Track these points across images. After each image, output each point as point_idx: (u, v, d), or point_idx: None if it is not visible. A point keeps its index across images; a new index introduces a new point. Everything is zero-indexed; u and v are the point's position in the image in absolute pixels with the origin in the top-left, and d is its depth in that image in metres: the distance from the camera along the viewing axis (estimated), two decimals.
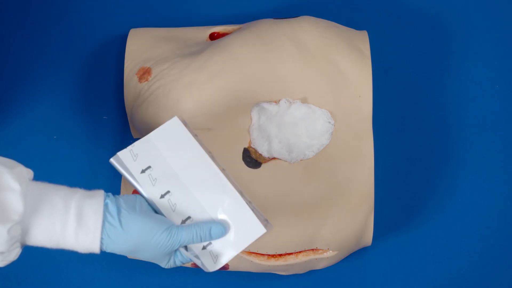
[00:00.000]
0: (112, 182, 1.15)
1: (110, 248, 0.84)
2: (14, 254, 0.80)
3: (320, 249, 1.03)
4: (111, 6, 1.21)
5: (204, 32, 1.13)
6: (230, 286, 1.14)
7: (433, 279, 1.14)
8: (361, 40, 1.06)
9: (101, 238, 0.82)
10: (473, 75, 1.20)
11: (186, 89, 1.03)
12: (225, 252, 0.87)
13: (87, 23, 1.21)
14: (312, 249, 1.03)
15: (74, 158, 1.16)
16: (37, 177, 0.84)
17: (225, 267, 1.07)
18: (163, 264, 0.88)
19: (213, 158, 0.90)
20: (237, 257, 1.04)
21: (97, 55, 1.20)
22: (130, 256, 0.86)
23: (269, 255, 1.03)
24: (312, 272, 1.13)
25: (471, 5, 1.22)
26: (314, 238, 1.00)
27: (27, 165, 0.84)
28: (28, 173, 0.82)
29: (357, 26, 1.17)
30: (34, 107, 1.18)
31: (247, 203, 0.88)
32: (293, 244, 1.00)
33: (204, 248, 0.87)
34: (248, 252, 1.03)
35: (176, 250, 0.87)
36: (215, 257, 0.87)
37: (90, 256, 1.14)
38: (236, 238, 0.87)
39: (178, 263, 0.88)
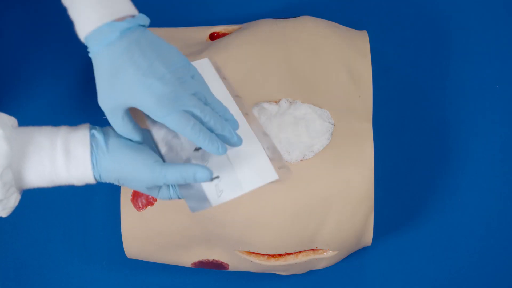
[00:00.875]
0: None
1: (104, 176, 0.83)
2: (13, 200, 0.81)
3: (320, 249, 1.03)
4: None
5: (204, 32, 1.13)
6: (230, 286, 1.14)
7: (433, 279, 1.14)
8: (361, 40, 1.06)
9: (92, 167, 0.82)
10: (473, 75, 1.20)
11: None
12: (232, 189, 0.86)
13: None
14: (312, 249, 1.03)
15: None
16: None
17: (225, 267, 1.07)
18: (155, 195, 0.86)
19: (240, 102, 0.89)
20: (237, 257, 1.04)
21: None
22: (120, 184, 0.84)
23: (269, 255, 1.03)
24: (312, 272, 1.13)
25: (471, 5, 1.22)
26: (314, 238, 1.00)
27: None
28: (10, 120, 0.82)
29: (357, 26, 1.17)
30: (34, 107, 1.18)
31: (266, 148, 0.87)
32: (293, 244, 1.00)
33: (211, 180, 0.86)
34: (248, 252, 1.03)
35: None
36: (220, 191, 0.86)
37: (90, 256, 1.14)
38: (246, 179, 0.86)
39: (174, 196, 0.86)
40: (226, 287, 1.14)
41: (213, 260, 1.06)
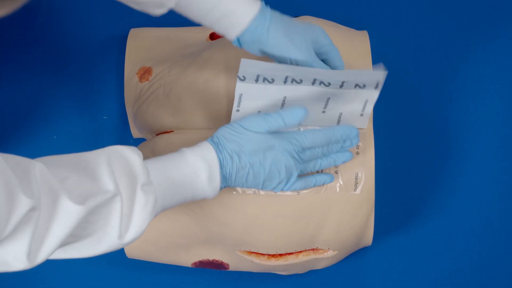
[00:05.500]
0: None
1: None
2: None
3: (320, 249, 1.03)
4: (111, 6, 1.21)
5: (204, 32, 1.13)
6: (230, 286, 1.14)
7: (433, 279, 1.14)
8: (361, 40, 1.06)
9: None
10: (473, 75, 1.20)
11: (186, 89, 1.03)
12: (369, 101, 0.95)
13: (87, 23, 1.21)
14: (312, 249, 1.03)
15: None
16: None
17: (225, 267, 1.07)
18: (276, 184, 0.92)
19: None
20: (237, 257, 1.04)
21: (97, 55, 1.20)
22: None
23: (269, 255, 1.03)
24: (312, 272, 1.14)
25: (471, 5, 1.22)
26: (314, 238, 1.00)
27: None
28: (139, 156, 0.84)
29: (357, 26, 1.16)
30: (34, 107, 1.18)
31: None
32: (293, 244, 1.00)
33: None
34: (249, 252, 1.03)
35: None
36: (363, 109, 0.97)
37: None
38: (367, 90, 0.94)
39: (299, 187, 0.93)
40: (226, 287, 1.14)
41: (214, 260, 1.06)
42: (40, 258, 0.73)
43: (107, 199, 0.76)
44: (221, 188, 0.88)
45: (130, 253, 1.06)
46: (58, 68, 1.19)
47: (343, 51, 1.04)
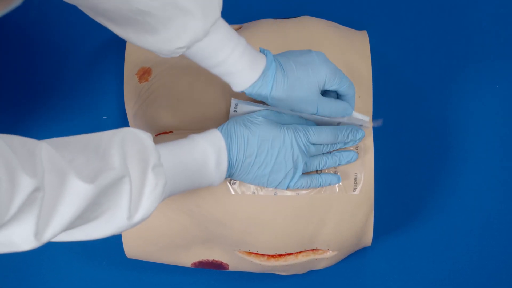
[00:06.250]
0: None
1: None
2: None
3: (320, 249, 1.03)
4: None
5: None
6: (230, 286, 1.14)
7: (433, 279, 1.14)
8: (361, 40, 1.06)
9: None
10: (473, 75, 1.20)
11: (186, 90, 1.03)
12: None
13: (87, 23, 1.21)
14: (312, 249, 1.03)
15: None
16: None
17: (225, 267, 1.07)
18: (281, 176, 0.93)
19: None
20: (237, 257, 1.04)
21: (97, 55, 1.20)
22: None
23: (269, 255, 1.03)
24: (312, 272, 1.13)
25: (471, 5, 1.22)
26: (314, 238, 1.00)
27: None
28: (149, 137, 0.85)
29: (357, 26, 1.16)
30: (34, 107, 1.18)
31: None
32: (293, 244, 1.00)
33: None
34: (248, 252, 1.03)
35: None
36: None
37: (90, 256, 1.15)
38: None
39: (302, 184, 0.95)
40: (226, 287, 1.14)
41: (213, 260, 1.06)
42: (47, 236, 0.72)
43: (117, 178, 0.77)
44: (226, 176, 0.90)
45: (130, 253, 1.06)
46: (58, 68, 1.19)
47: (343, 51, 1.04)
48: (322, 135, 0.93)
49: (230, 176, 0.91)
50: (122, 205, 0.78)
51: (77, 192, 0.73)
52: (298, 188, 0.94)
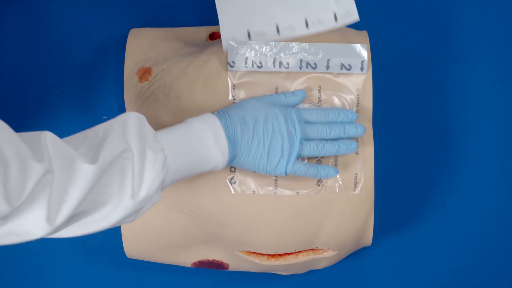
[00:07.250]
0: None
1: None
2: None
3: (320, 249, 1.03)
4: (111, 6, 1.21)
5: (204, 32, 1.13)
6: (230, 286, 1.14)
7: (433, 279, 1.14)
8: (361, 40, 1.06)
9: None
10: (473, 75, 1.20)
11: (186, 89, 1.03)
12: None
13: (87, 23, 1.21)
14: (312, 249, 1.03)
15: None
16: None
17: (225, 267, 1.07)
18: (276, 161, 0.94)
19: None
20: (237, 257, 1.04)
21: (97, 55, 1.20)
22: None
23: (269, 255, 1.03)
24: (312, 272, 1.13)
25: (471, 5, 1.22)
26: (314, 238, 1.00)
27: None
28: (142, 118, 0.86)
29: (357, 26, 1.16)
30: (33, 107, 1.18)
31: None
32: (293, 244, 1.00)
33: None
34: (248, 252, 1.03)
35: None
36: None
37: (90, 256, 1.14)
38: None
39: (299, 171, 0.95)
40: (226, 287, 1.14)
41: (213, 260, 1.06)
42: (59, 220, 0.74)
43: (119, 155, 0.79)
44: (230, 153, 0.91)
45: (130, 253, 1.06)
46: (58, 68, 1.19)
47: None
48: (312, 112, 0.96)
49: (233, 158, 0.92)
50: (126, 184, 0.79)
51: (84, 174, 0.75)
52: (296, 173, 0.95)
